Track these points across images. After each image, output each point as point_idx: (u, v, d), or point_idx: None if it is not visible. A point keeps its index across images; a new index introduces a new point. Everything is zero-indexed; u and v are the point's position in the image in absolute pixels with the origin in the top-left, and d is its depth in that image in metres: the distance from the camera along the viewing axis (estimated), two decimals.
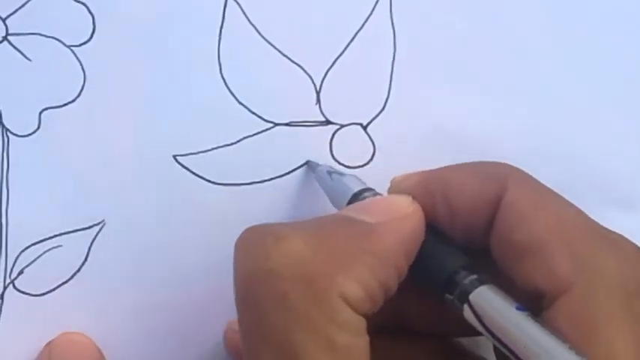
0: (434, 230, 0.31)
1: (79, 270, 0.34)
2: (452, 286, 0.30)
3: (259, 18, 0.35)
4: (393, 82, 0.36)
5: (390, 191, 0.33)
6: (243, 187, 0.35)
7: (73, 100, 0.34)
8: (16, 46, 0.34)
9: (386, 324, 0.30)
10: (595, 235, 0.29)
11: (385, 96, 0.36)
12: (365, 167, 0.36)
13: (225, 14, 0.35)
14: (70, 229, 0.34)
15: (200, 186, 0.35)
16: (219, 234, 0.35)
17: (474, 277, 0.29)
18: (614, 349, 0.27)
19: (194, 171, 0.35)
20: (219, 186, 0.35)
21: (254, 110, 0.35)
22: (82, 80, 0.34)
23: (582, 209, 0.30)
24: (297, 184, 0.35)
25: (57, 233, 0.34)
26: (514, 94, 0.37)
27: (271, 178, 0.35)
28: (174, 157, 0.35)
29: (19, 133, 0.34)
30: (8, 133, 0.34)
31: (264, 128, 0.35)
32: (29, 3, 0.33)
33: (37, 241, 0.34)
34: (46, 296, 0.34)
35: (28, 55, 0.34)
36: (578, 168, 0.37)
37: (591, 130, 0.37)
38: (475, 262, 0.30)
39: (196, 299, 0.35)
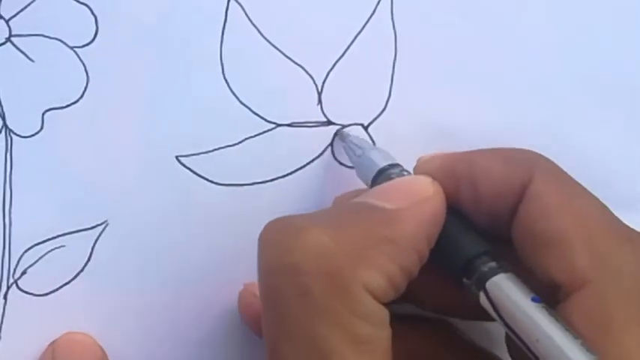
0: (457, 213, 0.31)
1: (82, 270, 0.34)
2: (470, 271, 0.30)
3: (261, 19, 0.35)
4: (394, 83, 0.36)
5: (416, 171, 0.32)
6: (245, 187, 0.35)
7: (76, 101, 0.34)
8: (19, 47, 0.34)
9: (400, 304, 0.30)
10: (617, 233, 0.29)
11: (386, 97, 0.36)
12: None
13: (228, 15, 0.35)
14: (73, 230, 0.34)
15: (202, 186, 0.35)
16: (221, 234, 0.35)
17: (493, 264, 0.29)
18: (627, 348, 0.27)
19: (196, 171, 0.35)
20: (221, 186, 0.35)
21: (256, 111, 0.35)
22: (85, 81, 0.34)
23: None
24: (300, 184, 0.35)
25: (60, 233, 0.34)
26: (515, 94, 0.37)
27: (273, 179, 0.35)
28: (177, 157, 0.35)
29: (23, 134, 0.34)
30: (11, 134, 0.34)
31: (266, 129, 0.35)
32: (32, 4, 0.34)
33: (40, 241, 0.34)
34: (49, 296, 0.34)
35: (31, 56, 0.34)
36: (578, 168, 0.37)
37: (591, 130, 0.37)
38: (495, 249, 0.30)
39: (199, 299, 0.35)
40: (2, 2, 0.33)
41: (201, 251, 0.35)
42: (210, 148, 0.35)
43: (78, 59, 0.34)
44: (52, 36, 0.34)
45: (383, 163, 0.33)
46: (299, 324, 0.27)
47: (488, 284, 0.29)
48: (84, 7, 0.34)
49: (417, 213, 0.29)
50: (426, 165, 0.32)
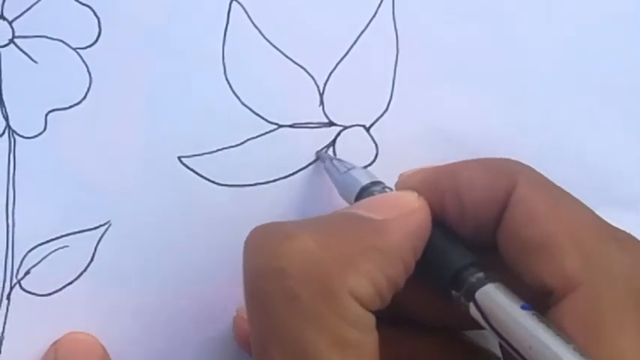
0: (442, 226, 0.31)
1: (85, 270, 0.35)
2: (459, 283, 0.30)
3: (263, 20, 0.35)
4: (395, 84, 0.36)
5: (398, 187, 0.33)
6: (247, 188, 0.35)
7: (79, 102, 0.34)
8: (23, 48, 0.34)
9: (392, 315, 0.30)
10: (605, 234, 0.29)
11: (388, 97, 0.36)
12: (368, 168, 0.36)
13: (230, 17, 0.35)
14: (76, 230, 0.35)
15: (204, 187, 0.35)
16: (223, 235, 0.35)
17: (481, 274, 0.30)
18: (621, 350, 0.27)
19: (198, 172, 0.35)
20: (223, 187, 0.35)
21: (258, 112, 0.35)
22: (88, 82, 0.34)
23: None
24: (301, 185, 0.36)
25: (63, 234, 0.34)
26: (516, 94, 0.37)
27: (275, 179, 0.36)
28: (179, 158, 0.35)
29: (26, 135, 0.34)
30: (15, 135, 0.34)
31: (268, 130, 0.35)
32: (35, 5, 0.34)
33: (43, 241, 0.34)
34: (52, 296, 0.34)
35: (34, 58, 0.34)
36: (578, 168, 0.37)
37: (591, 130, 0.37)
38: (482, 260, 0.30)
39: (201, 299, 0.35)
40: (5, 4, 0.34)
41: (204, 251, 0.35)
42: (212, 149, 0.35)
43: (81, 60, 0.34)
44: (55, 37, 0.34)
45: (366, 181, 0.33)
46: (286, 328, 0.28)
47: (478, 294, 0.29)
48: (87, 8, 0.34)
49: (404, 224, 0.29)
50: (409, 180, 0.32)
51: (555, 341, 0.27)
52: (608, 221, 0.36)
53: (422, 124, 0.36)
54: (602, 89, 0.38)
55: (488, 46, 0.37)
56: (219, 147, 0.35)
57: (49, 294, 0.34)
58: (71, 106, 0.34)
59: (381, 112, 0.36)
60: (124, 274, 0.35)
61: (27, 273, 0.34)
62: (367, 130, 0.36)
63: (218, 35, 0.35)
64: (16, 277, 0.34)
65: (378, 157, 0.36)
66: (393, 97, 0.36)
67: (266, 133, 0.35)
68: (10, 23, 0.34)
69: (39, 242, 0.34)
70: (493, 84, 0.37)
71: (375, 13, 0.36)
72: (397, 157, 0.36)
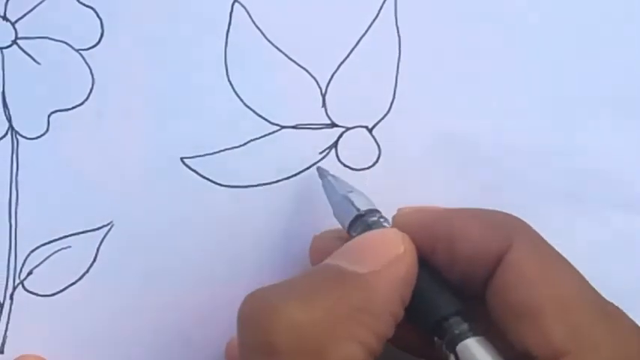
0: (430, 269, 0.30)
1: (87, 271, 0.35)
2: (442, 331, 0.29)
3: (265, 22, 0.35)
4: (398, 85, 0.36)
5: (393, 224, 0.32)
6: (249, 189, 0.35)
7: (82, 103, 0.34)
8: (25, 49, 0.34)
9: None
10: (593, 307, 0.29)
11: (390, 99, 0.36)
12: (370, 170, 0.36)
13: (232, 18, 0.35)
14: (79, 231, 0.35)
15: (207, 188, 0.35)
16: (225, 235, 0.35)
17: (465, 326, 0.29)
18: None
19: (201, 173, 0.35)
20: (225, 188, 0.35)
21: (260, 113, 0.35)
22: (91, 83, 0.34)
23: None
24: (304, 186, 0.36)
25: (66, 234, 0.35)
26: (517, 95, 0.37)
27: (277, 180, 0.36)
28: (182, 159, 0.35)
29: (28, 136, 0.34)
30: (17, 136, 0.34)
31: (270, 131, 0.35)
32: (38, 7, 0.34)
33: (46, 242, 0.34)
34: (55, 297, 0.35)
35: (37, 59, 0.34)
36: (578, 168, 0.37)
37: (591, 130, 0.37)
38: (469, 307, 0.30)
39: (203, 300, 0.35)
40: (8, 5, 0.34)
41: (206, 252, 0.35)
42: (215, 150, 0.35)
43: (83, 62, 0.34)
44: (58, 39, 0.34)
45: (362, 208, 0.32)
46: None
47: (459, 347, 0.29)
48: (89, 9, 0.34)
49: (390, 275, 0.29)
50: (404, 219, 0.32)
51: None
52: (609, 221, 0.36)
53: (424, 125, 0.36)
54: (602, 89, 0.37)
55: (490, 47, 0.37)
56: (222, 148, 0.35)
57: (52, 294, 0.35)
58: (74, 107, 0.34)
59: (384, 113, 0.36)
60: (126, 275, 0.35)
61: (29, 273, 0.34)
62: (370, 131, 0.36)
63: (220, 36, 0.35)
64: (19, 277, 0.34)
65: (380, 158, 0.36)
66: (396, 98, 0.36)
67: (268, 134, 0.35)
68: (13, 24, 0.34)
69: (42, 243, 0.34)
70: (495, 85, 0.37)
71: (378, 14, 0.36)
72: (400, 158, 0.36)
